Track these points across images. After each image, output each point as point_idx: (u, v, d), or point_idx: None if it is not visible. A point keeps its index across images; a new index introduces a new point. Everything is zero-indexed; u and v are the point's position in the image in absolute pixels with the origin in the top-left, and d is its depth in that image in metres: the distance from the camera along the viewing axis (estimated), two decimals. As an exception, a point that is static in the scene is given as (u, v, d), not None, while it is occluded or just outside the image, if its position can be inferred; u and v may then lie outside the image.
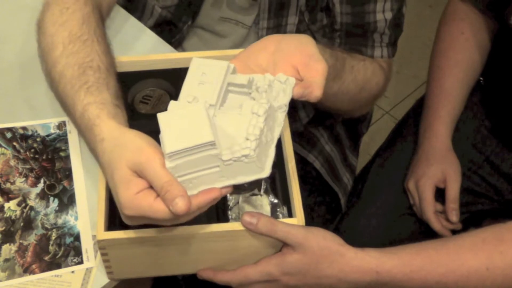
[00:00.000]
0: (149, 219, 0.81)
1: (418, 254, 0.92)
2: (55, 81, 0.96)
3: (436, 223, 1.27)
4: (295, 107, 1.24)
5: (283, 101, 0.87)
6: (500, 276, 0.92)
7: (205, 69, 0.88)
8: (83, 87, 0.92)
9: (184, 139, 0.79)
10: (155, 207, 0.79)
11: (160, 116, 0.82)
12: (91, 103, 0.90)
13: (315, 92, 0.88)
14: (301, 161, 1.28)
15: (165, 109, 0.95)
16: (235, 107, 0.86)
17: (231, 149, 0.80)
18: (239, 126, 0.83)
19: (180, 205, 0.76)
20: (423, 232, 1.33)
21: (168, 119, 0.81)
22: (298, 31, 1.17)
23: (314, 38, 1.16)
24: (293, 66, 0.91)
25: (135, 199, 0.79)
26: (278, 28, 1.16)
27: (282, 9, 1.14)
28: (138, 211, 0.80)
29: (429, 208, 1.27)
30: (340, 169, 1.35)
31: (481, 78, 1.35)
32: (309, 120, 1.27)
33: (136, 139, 0.83)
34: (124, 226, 0.87)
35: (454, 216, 1.26)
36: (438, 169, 1.27)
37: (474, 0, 1.30)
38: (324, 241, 0.89)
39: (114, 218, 0.88)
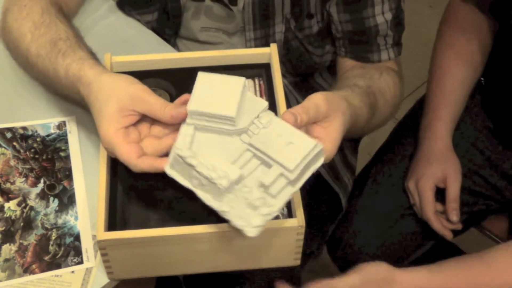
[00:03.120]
0: (116, 156, 0.88)
1: (462, 271, 0.96)
2: (33, 63, 1.02)
3: (436, 223, 1.27)
4: None
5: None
6: None
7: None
8: (58, 55, 0.99)
9: (209, 104, 0.85)
10: (122, 149, 0.86)
11: (200, 75, 0.88)
12: (70, 63, 0.97)
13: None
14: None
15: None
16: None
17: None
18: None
19: (174, 112, 0.87)
20: (423, 232, 1.33)
21: (205, 80, 0.88)
22: (286, 39, 1.17)
23: (302, 45, 1.17)
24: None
25: (113, 136, 0.87)
26: (266, 38, 1.17)
27: (267, 19, 1.14)
28: (110, 147, 0.88)
29: (429, 208, 1.27)
30: (340, 169, 1.35)
31: (482, 79, 1.35)
32: None
33: (126, 76, 0.92)
34: (124, 227, 0.87)
35: (455, 215, 1.26)
36: (438, 168, 1.27)
37: (475, 0, 1.29)
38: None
39: (114, 218, 0.88)
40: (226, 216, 0.81)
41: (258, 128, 0.86)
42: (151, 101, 0.89)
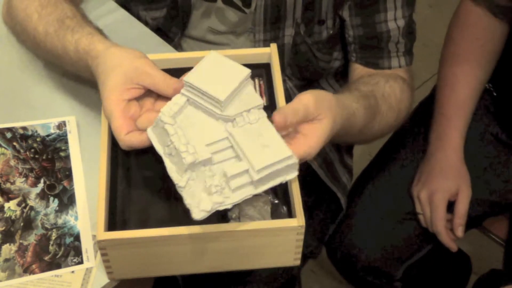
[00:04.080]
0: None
1: None
2: (41, 42, 1.04)
3: (445, 237, 1.27)
4: None
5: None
6: None
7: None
8: (67, 31, 1.00)
9: (205, 82, 0.87)
10: (116, 122, 0.88)
11: (212, 53, 0.90)
12: (79, 38, 0.98)
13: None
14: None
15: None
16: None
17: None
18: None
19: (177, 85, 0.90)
20: (423, 235, 1.33)
21: (213, 60, 0.90)
22: (295, 42, 1.17)
23: (310, 50, 1.17)
24: None
25: (113, 106, 0.89)
26: (275, 40, 1.16)
27: (278, 22, 1.14)
28: (108, 117, 0.89)
29: (441, 223, 1.27)
30: (339, 170, 1.35)
31: (489, 84, 1.34)
32: None
33: (133, 50, 0.93)
34: (124, 227, 0.87)
35: (460, 232, 1.27)
36: (453, 183, 1.26)
37: (487, 3, 1.27)
38: None
39: (114, 218, 0.88)
40: (180, 191, 0.82)
41: (244, 122, 0.86)
42: (155, 75, 0.90)
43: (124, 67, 0.91)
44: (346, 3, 1.12)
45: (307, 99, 0.87)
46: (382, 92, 1.10)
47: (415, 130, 1.38)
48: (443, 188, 1.26)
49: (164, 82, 0.90)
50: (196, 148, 0.83)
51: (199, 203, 0.80)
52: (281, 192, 0.90)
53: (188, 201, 0.81)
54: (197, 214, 0.80)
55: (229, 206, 0.82)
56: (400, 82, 1.14)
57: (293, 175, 0.84)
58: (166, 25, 1.20)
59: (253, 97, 0.88)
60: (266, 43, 1.17)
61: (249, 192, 0.82)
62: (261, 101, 0.88)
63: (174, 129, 0.85)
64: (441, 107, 1.31)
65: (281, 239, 0.87)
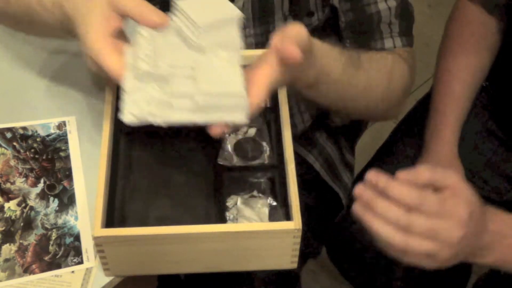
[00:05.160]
0: (100, 67, 0.84)
1: None
2: (14, 4, 1.01)
3: None
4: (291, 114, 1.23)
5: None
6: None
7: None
8: None
9: (192, 8, 0.86)
10: (112, 59, 0.82)
11: None
12: None
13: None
14: (301, 161, 1.28)
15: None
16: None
17: None
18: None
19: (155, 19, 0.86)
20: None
21: None
22: None
23: None
24: None
25: (102, 44, 0.83)
26: (266, 34, 1.15)
27: (267, 16, 1.13)
28: (96, 56, 0.84)
29: None
30: (340, 168, 1.35)
31: (486, 82, 1.34)
32: (305, 128, 1.27)
33: None
34: (122, 224, 0.87)
35: None
36: None
37: (483, 1, 1.27)
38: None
39: (113, 215, 0.88)
40: (123, 95, 0.82)
41: (213, 55, 0.86)
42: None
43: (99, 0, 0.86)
44: None
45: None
46: (368, 54, 1.07)
47: (412, 127, 1.38)
48: None
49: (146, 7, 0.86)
50: (157, 63, 0.82)
51: (132, 107, 0.80)
52: (279, 195, 0.90)
53: (124, 104, 0.81)
54: (125, 116, 0.80)
55: (162, 124, 0.81)
56: (395, 55, 1.11)
57: (239, 117, 0.83)
58: None
59: (234, 38, 0.87)
60: (257, 38, 1.16)
61: (188, 117, 0.81)
62: (240, 44, 0.87)
63: (144, 40, 0.84)
64: (435, 102, 1.31)
65: (278, 242, 0.87)
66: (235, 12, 0.88)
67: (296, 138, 1.27)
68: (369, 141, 1.67)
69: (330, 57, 0.97)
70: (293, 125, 1.24)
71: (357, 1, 1.11)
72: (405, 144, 1.38)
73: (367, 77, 1.05)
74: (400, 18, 1.12)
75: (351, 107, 1.13)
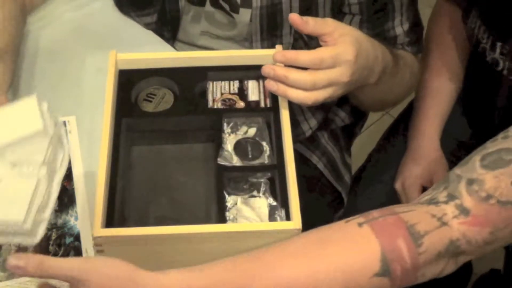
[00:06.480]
0: None
1: (233, 268, 0.78)
2: None
3: None
4: (296, 120, 1.24)
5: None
6: (325, 281, 0.77)
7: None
8: None
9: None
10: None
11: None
12: None
13: None
14: (304, 161, 1.28)
15: (168, 108, 0.96)
16: None
17: None
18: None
19: None
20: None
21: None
22: (295, 49, 1.16)
23: None
24: None
25: None
26: (273, 48, 1.16)
27: (275, 30, 1.14)
28: None
29: None
30: (341, 169, 1.35)
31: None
32: (312, 132, 1.28)
33: None
34: (122, 224, 0.87)
35: None
36: (425, 169, 1.27)
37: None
38: (109, 269, 0.74)
39: (113, 215, 0.88)
40: None
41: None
42: None
43: None
44: (346, 8, 1.12)
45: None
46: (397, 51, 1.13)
47: (403, 127, 1.39)
48: (414, 175, 1.27)
49: None
50: None
51: None
52: (279, 195, 0.91)
53: None
54: None
55: None
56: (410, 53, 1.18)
57: (27, 240, 0.82)
58: (158, 31, 1.21)
59: (39, 153, 0.85)
60: None
61: None
62: (47, 158, 0.85)
63: None
64: (416, 99, 1.34)
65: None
66: (39, 126, 0.84)
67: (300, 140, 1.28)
68: (368, 141, 1.67)
69: (383, 52, 1.03)
70: (302, 133, 1.25)
71: (379, 28, 1.14)
72: (395, 144, 1.39)
73: (402, 75, 1.12)
74: (410, 33, 1.17)
75: (386, 100, 1.21)
